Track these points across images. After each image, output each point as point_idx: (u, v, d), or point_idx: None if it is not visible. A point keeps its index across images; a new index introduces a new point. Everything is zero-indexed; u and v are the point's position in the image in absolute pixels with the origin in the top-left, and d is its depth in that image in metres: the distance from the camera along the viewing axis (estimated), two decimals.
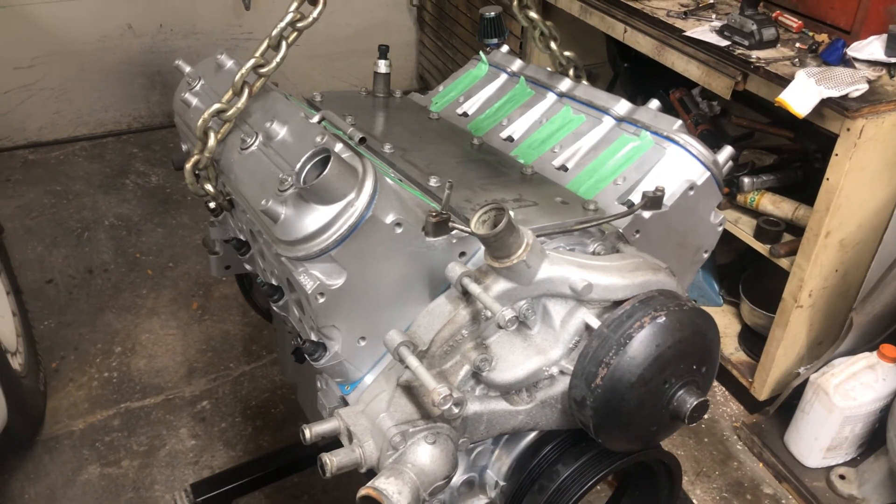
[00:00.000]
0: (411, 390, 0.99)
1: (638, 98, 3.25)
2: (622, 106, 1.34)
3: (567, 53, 1.48)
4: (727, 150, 1.27)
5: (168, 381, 2.59)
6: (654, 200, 1.13)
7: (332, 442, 1.03)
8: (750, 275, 2.67)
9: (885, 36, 2.07)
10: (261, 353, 2.74)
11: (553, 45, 1.47)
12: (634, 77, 3.05)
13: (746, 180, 2.40)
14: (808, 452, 2.26)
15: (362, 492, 0.89)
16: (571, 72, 1.49)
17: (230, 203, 1.25)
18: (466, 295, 0.98)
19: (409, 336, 0.99)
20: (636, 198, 1.18)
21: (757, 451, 2.39)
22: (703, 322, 1.02)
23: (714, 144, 2.81)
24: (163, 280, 3.05)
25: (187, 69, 1.39)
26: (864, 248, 2.19)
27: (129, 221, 3.37)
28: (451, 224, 1.00)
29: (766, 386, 2.41)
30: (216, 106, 1.15)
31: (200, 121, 1.15)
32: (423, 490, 0.92)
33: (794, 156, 2.61)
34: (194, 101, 1.33)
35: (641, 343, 0.95)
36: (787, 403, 2.34)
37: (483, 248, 0.99)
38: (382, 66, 1.59)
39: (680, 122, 1.26)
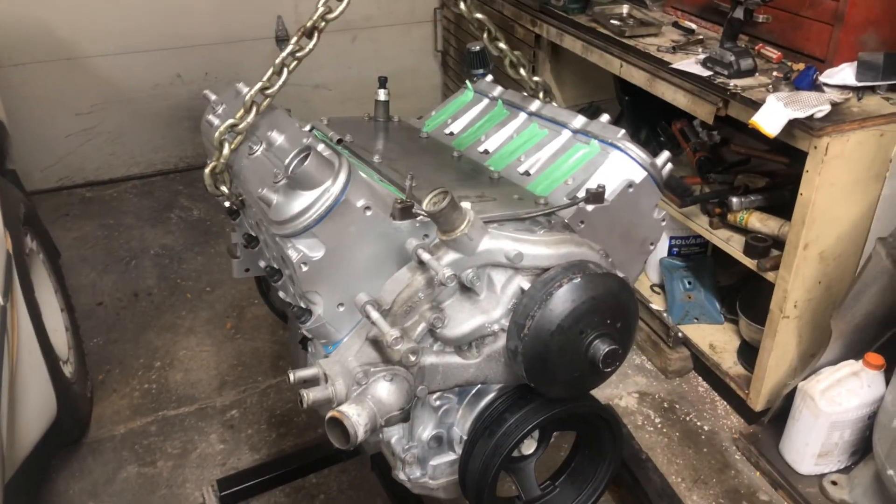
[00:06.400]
0: (377, 343, 1.20)
1: (642, 130, 3.44)
2: (578, 120, 1.55)
3: (536, 78, 1.70)
4: (664, 155, 1.46)
5: (201, 392, 2.81)
6: (595, 195, 1.33)
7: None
8: (747, 293, 2.79)
9: (855, 63, 2.24)
10: (287, 368, 2.94)
11: (522, 71, 1.69)
12: (637, 110, 3.24)
13: (735, 200, 2.55)
14: (800, 459, 2.34)
15: (329, 415, 1.09)
16: (541, 94, 1.70)
17: (242, 203, 1.48)
18: (422, 264, 1.19)
19: (375, 299, 1.20)
20: (582, 195, 1.37)
21: (754, 459, 2.48)
22: (615, 285, 1.20)
23: (710, 169, 2.96)
24: (200, 303, 3.30)
25: (213, 97, 1.65)
26: (845, 260, 2.31)
27: (172, 251, 3.66)
28: (413, 210, 1.22)
29: (760, 396, 2.52)
30: (230, 121, 1.40)
31: (217, 133, 1.40)
32: (380, 417, 1.11)
33: (787, 179, 2.75)
34: (216, 121, 1.60)
35: (559, 299, 1.15)
36: (782, 414, 2.43)
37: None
38: (382, 95, 1.84)
39: (623, 131, 1.45)
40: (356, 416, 1.07)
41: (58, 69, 3.89)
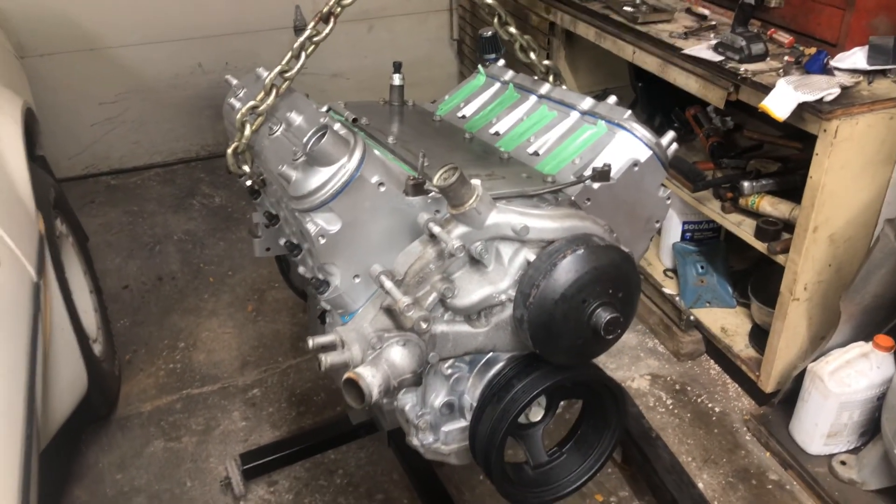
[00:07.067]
0: (391, 312, 1.26)
1: (656, 116, 3.45)
2: (587, 102, 1.60)
3: (546, 62, 1.75)
4: (669, 135, 1.51)
5: (224, 372, 2.90)
6: (601, 174, 1.38)
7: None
8: (758, 277, 2.81)
9: (867, 47, 2.25)
10: (306, 348, 3.02)
11: (532, 55, 1.74)
12: (650, 96, 3.27)
13: (746, 184, 2.58)
14: (810, 440, 2.38)
15: (345, 376, 1.16)
16: (551, 78, 1.75)
17: (263, 182, 1.55)
18: (433, 237, 1.25)
19: (389, 270, 1.27)
20: (589, 173, 1.42)
21: (764, 440, 2.51)
22: (617, 257, 1.26)
23: (722, 155, 2.98)
24: (222, 286, 3.39)
25: (234, 81, 1.73)
26: (855, 243, 2.33)
27: (195, 236, 3.75)
28: (425, 186, 1.28)
29: (771, 378, 2.55)
30: (251, 103, 1.48)
31: (238, 115, 1.47)
32: (393, 379, 1.18)
33: (799, 164, 2.76)
34: (238, 104, 1.67)
35: (563, 269, 1.21)
36: (792, 395, 2.46)
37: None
38: (396, 80, 1.90)
39: (629, 112, 1.50)
40: (371, 378, 1.14)
41: (82, 59, 3.99)
